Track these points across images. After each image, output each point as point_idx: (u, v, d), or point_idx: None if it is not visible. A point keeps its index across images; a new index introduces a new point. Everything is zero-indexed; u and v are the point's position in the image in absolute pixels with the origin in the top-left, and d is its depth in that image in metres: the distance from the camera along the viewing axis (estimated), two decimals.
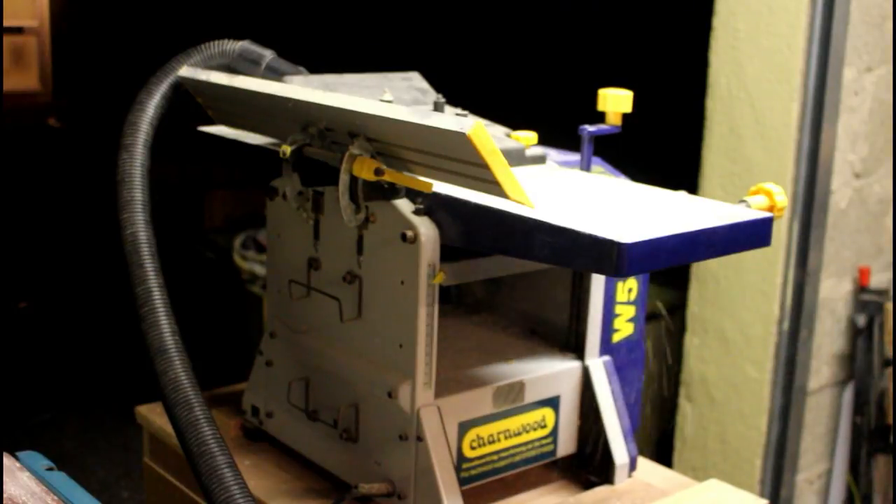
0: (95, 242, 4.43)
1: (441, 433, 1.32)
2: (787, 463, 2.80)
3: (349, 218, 1.32)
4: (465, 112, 1.42)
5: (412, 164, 1.24)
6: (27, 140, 6.02)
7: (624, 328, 1.56)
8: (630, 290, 1.54)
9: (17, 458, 1.17)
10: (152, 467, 1.71)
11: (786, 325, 2.69)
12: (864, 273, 2.85)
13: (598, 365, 1.51)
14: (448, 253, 1.30)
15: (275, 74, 1.49)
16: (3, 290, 4.93)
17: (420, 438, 1.31)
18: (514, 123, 1.57)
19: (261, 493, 1.44)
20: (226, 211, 5.07)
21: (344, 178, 1.28)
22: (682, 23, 3.37)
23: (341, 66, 1.71)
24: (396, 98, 1.44)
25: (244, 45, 1.51)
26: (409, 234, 1.27)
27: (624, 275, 1.37)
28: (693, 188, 2.74)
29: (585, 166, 1.49)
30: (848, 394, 2.94)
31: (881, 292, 2.89)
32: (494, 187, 1.11)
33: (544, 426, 1.47)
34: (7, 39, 6.37)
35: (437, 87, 1.58)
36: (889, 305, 2.87)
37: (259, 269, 4.31)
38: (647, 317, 1.61)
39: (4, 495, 1.06)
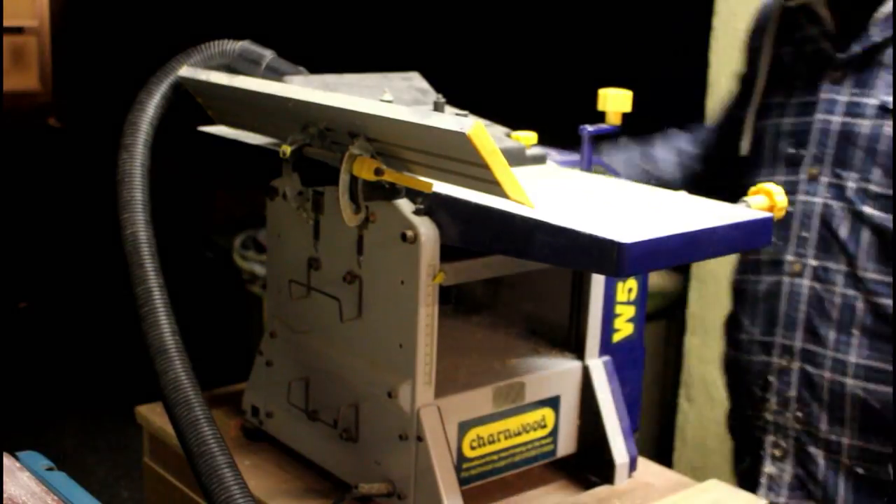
0: (95, 242, 4.43)
1: (441, 433, 1.32)
2: None
3: (349, 218, 1.32)
4: (465, 112, 1.42)
5: (412, 164, 1.24)
6: (27, 140, 6.02)
7: (624, 328, 1.56)
8: (630, 290, 1.54)
9: (17, 458, 1.17)
10: (152, 467, 1.71)
11: None
12: None
13: (598, 365, 1.51)
14: (448, 253, 1.30)
15: (275, 74, 1.49)
16: (3, 290, 4.93)
17: (420, 438, 1.31)
18: (514, 123, 1.57)
19: (261, 493, 1.44)
20: (226, 211, 5.07)
21: (344, 178, 1.28)
22: (682, 23, 3.38)
23: (341, 66, 1.71)
24: (396, 98, 1.44)
25: (244, 45, 1.51)
26: (409, 234, 1.27)
27: (624, 275, 1.37)
28: None
29: (585, 166, 1.49)
30: None
31: None
32: (494, 187, 1.11)
33: (544, 426, 1.47)
34: (7, 39, 6.37)
35: (437, 87, 1.58)
36: None
37: (259, 269, 4.31)
38: (647, 317, 1.61)
39: (4, 495, 1.07)
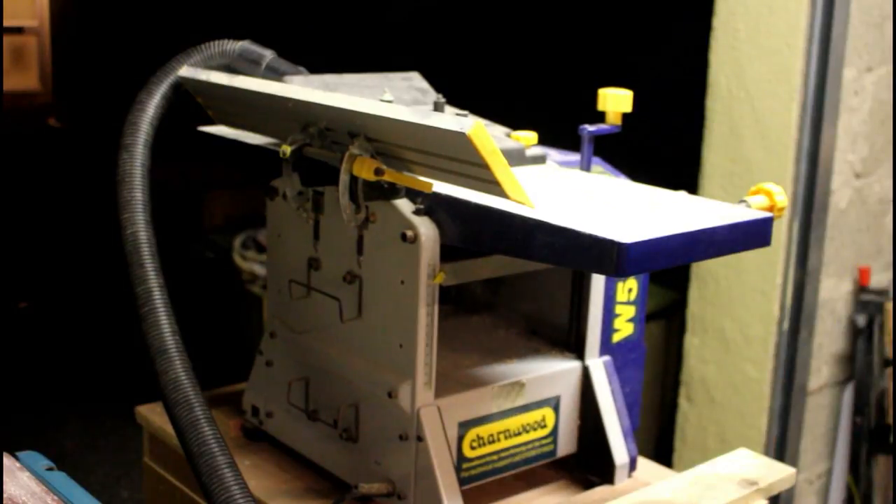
0: (95, 242, 4.43)
1: (441, 433, 1.32)
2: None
3: (349, 218, 1.32)
4: (465, 112, 1.42)
5: (412, 164, 1.24)
6: (27, 140, 6.02)
7: (624, 328, 1.56)
8: (630, 290, 1.54)
9: (17, 458, 1.17)
10: (152, 467, 1.71)
11: (786, 325, 2.69)
12: (864, 273, 2.85)
13: (598, 365, 1.51)
14: (448, 253, 1.30)
15: (275, 74, 1.49)
16: (3, 290, 4.93)
17: (420, 438, 1.31)
18: (514, 123, 1.57)
19: (261, 493, 1.44)
20: (226, 211, 5.06)
21: (344, 178, 1.28)
22: (682, 23, 3.37)
23: (341, 66, 1.71)
24: (396, 98, 1.44)
25: (244, 45, 1.51)
26: (409, 234, 1.27)
27: (624, 275, 1.37)
28: (693, 188, 2.74)
29: (585, 166, 1.49)
30: (848, 394, 2.94)
31: (881, 292, 2.89)
32: (494, 187, 1.11)
33: (544, 426, 1.47)
34: (7, 39, 6.38)
35: (437, 87, 1.58)
36: (889, 305, 2.87)
37: (259, 269, 4.31)
38: (647, 317, 1.61)
39: (4, 495, 1.06)
